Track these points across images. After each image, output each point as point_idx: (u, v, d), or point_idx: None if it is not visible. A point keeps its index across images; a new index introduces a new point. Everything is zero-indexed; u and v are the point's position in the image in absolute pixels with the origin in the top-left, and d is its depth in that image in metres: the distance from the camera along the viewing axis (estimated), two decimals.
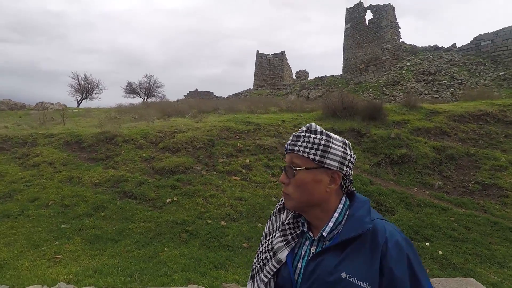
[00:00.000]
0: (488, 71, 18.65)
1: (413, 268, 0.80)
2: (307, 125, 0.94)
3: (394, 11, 24.46)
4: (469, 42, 21.79)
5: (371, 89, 21.52)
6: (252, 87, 39.76)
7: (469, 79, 18.01)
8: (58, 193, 4.91)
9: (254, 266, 1.04)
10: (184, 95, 42.21)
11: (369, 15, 25.59)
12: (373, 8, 25.04)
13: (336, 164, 0.89)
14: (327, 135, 0.91)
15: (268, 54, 38.08)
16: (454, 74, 19.08)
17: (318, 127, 0.92)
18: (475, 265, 3.55)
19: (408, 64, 22.45)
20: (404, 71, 21.67)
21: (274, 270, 0.93)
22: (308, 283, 0.86)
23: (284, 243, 0.94)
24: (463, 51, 21.75)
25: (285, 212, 1.03)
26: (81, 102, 27.24)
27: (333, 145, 0.90)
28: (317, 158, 0.88)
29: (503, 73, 17.62)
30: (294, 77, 37.45)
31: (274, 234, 1.01)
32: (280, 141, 6.48)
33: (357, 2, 26.77)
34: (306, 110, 8.91)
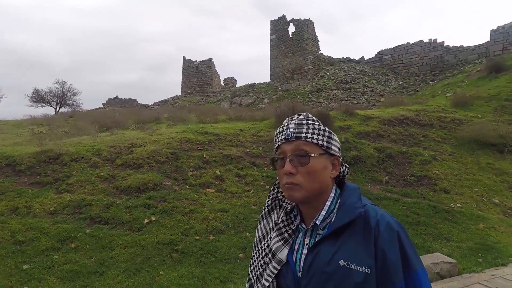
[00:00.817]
0: (391, 80, 22.27)
1: (404, 248, 0.81)
2: (304, 113, 0.97)
3: (314, 25, 27.08)
4: (374, 55, 25.57)
5: (298, 96, 23.27)
6: (180, 94, 38.72)
7: (378, 87, 21.19)
8: (4, 228, 4.09)
9: (251, 275, 1.03)
10: (103, 103, 38.57)
11: (292, 28, 27.75)
12: (295, 21, 27.28)
13: (337, 150, 0.93)
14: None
15: (196, 61, 37.74)
16: (366, 83, 22.17)
17: (314, 117, 0.96)
18: (431, 242, 4.36)
19: (328, 73, 25.09)
20: (325, 80, 24.14)
21: (276, 271, 0.92)
22: (308, 276, 0.86)
23: (282, 242, 0.94)
24: (370, 63, 25.40)
25: (275, 212, 1.03)
26: None
27: (333, 134, 0.95)
28: (325, 144, 0.90)
29: (402, 82, 21.29)
30: (223, 84, 37.90)
31: (269, 236, 1.00)
32: (244, 150, 6.66)
33: (281, 16, 28.75)
34: (256, 118, 9.27)
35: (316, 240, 0.88)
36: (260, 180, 5.65)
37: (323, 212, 0.89)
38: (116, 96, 40.46)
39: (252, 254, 1.05)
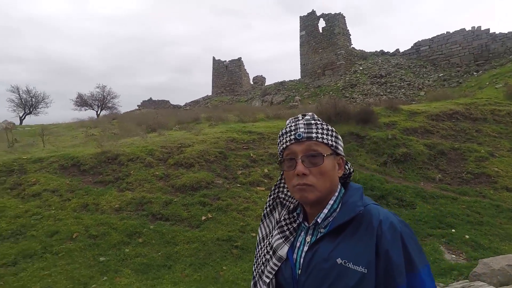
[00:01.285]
0: (430, 73, 21.18)
1: (407, 248, 0.79)
2: (309, 113, 0.96)
3: (345, 19, 26.40)
4: (410, 47, 24.45)
5: (331, 92, 22.84)
6: (210, 94, 39.49)
7: (416, 81, 20.26)
8: (78, 223, 4.48)
9: (254, 274, 1.03)
10: (138, 105, 40.27)
11: (321, 23, 27.25)
12: (326, 16, 26.74)
13: (342, 149, 0.95)
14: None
15: (225, 61, 38.25)
16: (403, 76, 21.27)
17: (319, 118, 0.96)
18: (498, 243, 4.15)
19: (361, 68, 24.36)
20: (358, 75, 23.48)
21: (276, 268, 0.92)
22: (307, 273, 0.86)
23: (283, 239, 0.95)
24: (406, 56, 24.32)
25: (276, 211, 1.04)
26: (24, 118, 24.43)
27: (337, 133, 0.96)
28: (334, 144, 0.91)
29: (442, 74, 20.18)
30: (252, 82, 38.09)
31: (271, 235, 1.01)
32: None
33: (310, 11, 28.34)
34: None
35: (317, 237, 0.88)
36: None
37: (325, 211, 0.89)
38: (150, 98, 42.14)
39: (255, 253, 1.06)
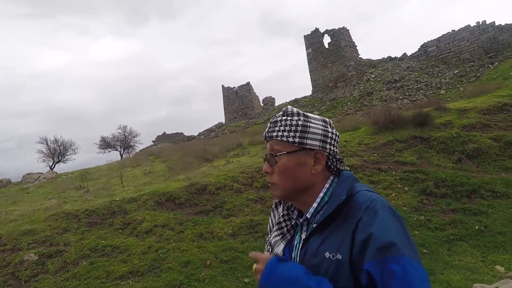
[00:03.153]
0: (444, 71, 21.68)
1: (374, 229, 0.72)
2: (284, 108, 0.94)
3: (349, 32, 27.39)
4: (417, 49, 25.17)
5: (349, 103, 23.34)
6: (223, 121, 40.37)
7: (432, 80, 20.72)
8: (205, 251, 4.77)
9: None
10: (153, 141, 41.20)
11: (326, 39, 28.31)
12: (330, 32, 27.82)
13: (317, 143, 0.88)
14: (304, 115, 0.90)
15: (234, 87, 39.38)
16: (417, 78, 21.77)
17: (295, 109, 0.91)
18: None
19: (373, 76, 25.00)
20: (372, 82, 24.06)
21: None
22: None
23: (280, 236, 0.94)
24: (414, 58, 24.97)
25: (281, 205, 1.02)
26: (54, 166, 25.18)
27: (311, 124, 0.88)
28: (296, 140, 0.86)
29: (457, 71, 20.66)
30: (262, 104, 38.98)
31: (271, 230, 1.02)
32: (361, 159, 7.03)
33: (313, 29, 29.51)
34: (346, 128, 9.65)
35: (307, 233, 0.87)
36: (396, 183, 5.95)
37: (315, 205, 0.87)
38: (164, 132, 43.09)
39: (267, 238, 1.07)
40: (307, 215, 0.87)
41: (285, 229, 0.95)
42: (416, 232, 4.71)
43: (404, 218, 4.00)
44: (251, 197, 6.10)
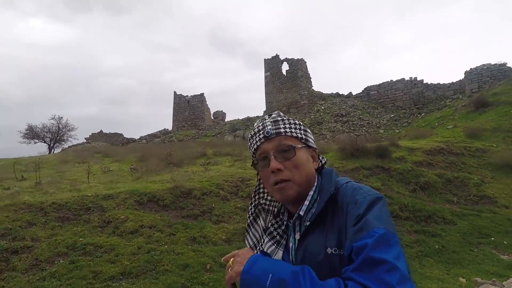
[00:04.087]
0: (382, 114, 24.88)
1: (371, 209, 0.76)
2: (276, 112, 0.97)
3: (306, 64, 29.70)
4: (361, 91, 28.44)
5: None
6: (169, 128, 39.10)
7: (373, 120, 23.57)
8: (202, 255, 4.65)
9: None
10: (86, 138, 37.60)
11: (285, 66, 30.18)
12: (289, 60, 29.77)
13: (313, 142, 0.96)
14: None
15: (187, 96, 38.74)
16: (360, 116, 24.52)
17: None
18: None
19: (323, 107, 27.29)
20: (322, 113, 26.23)
21: None
22: None
23: (275, 244, 0.93)
24: (358, 98, 28.14)
25: (261, 218, 1.02)
26: None
27: (306, 127, 0.97)
28: (304, 137, 0.92)
29: (393, 115, 23.93)
30: (212, 117, 38.99)
31: (261, 243, 0.99)
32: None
33: (274, 55, 31.20)
34: None
35: (302, 232, 0.87)
36: None
37: (306, 202, 0.87)
38: (101, 131, 39.71)
39: None
40: (300, 212, 0.86)
41: (277, 236, 0.93)
42: None
43: None
44: (239, 205, 6.18)
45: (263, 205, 1.03)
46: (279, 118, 0.92)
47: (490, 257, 5.26)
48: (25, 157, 15.77)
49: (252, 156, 0.95)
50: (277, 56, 30.96)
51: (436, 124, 17.16)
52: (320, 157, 0.98)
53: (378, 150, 9.00)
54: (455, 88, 22.93)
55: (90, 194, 6.12)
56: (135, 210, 5.74)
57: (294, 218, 0.89)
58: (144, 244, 4.82)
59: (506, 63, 19.06)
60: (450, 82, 23.46)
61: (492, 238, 5.86)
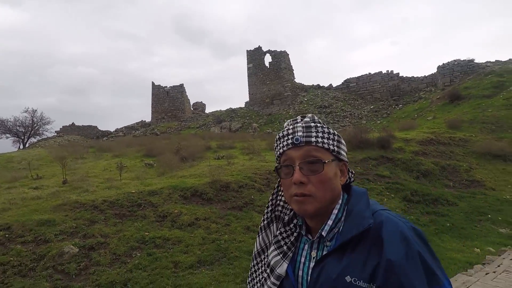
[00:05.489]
0: (362, 105, 26.32)
1: (427, 263, 0.71)
2: (309, 115, 0.90)
3: (289, 56, 30.32)
4: (341, 83, 29.72)
5: (285, 120, 25.65)
6: (147, 119, 38.29)
7: (355, 111, 24.92)
8: None
9: (250, 286, 1.00)
10: (57, 131, 35.79)
11: (268, 58, 30.59)
12: (272, 53, 30.21)
13: (345, 155, 0.88)
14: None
15: (166, 87, 37.92)
16: (343, 107, 25.78)
17: (317, 118, 0.88)
18: None
19: (306, 99, 28.24)
20: (305, 105, 27.17)
21: (275, 287, 0.88)
22: None
23: (281, 255, 0.89)
24: (339, 90, 29.39)
25: (274, 224, 0.98)
26: None
27: (340, 136, 0.88)
28: (336, 149, 0.84)
29: (372, 106, 25.43)
30: (191, 108, 38.62)
31: (266, 253, 0.97)
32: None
33: (257, 47, 31.44)
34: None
35: (323, 252, 0.82)
36: (384, 191, 7.55)
37: (330, 222, 0.82)
38: (73, 123, 38.05)
39: (251, 266, 1.02)
40: (322, 233, 0.82)
41: (285, 247, 0.89)
42: None
43: None
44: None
45: (279, 211, 0.98)
46: (312, 124, 0.85)
47: (492, 231, 6.32)
48: (4, 153, 15.05)
49: (276, 159, 0.90)
50: (259, 48, 31.22)
51: (416, 115, 18.66)
52: (350, 173, 0.90)
53: (380, 141, 9.91)
54: (427, 81, 24.81)
55: (133, 191, 6.34)
56: (183, 204, 6.07)
57: (316, 237, 0.84)
58: (206, 235, 5.23)
59: (474, 59, 21.02)
60: (423, 75, 25.29)
61: (489, 216, 6.96)
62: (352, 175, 0.91)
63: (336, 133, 0.87)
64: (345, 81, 29.31)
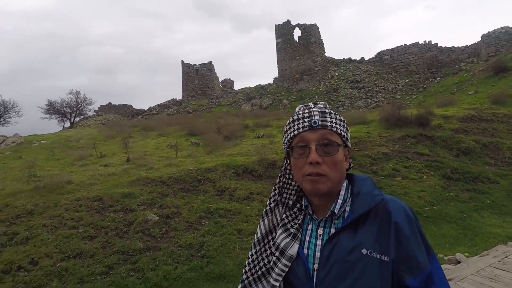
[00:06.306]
0: (396, 79, 25.45)
1: (423, 235, 0.86)
2: (322, 102, 0.97)
3: (319, 29, 29.48)
4: (374, 56, 28.67)
5: (316, 96, 25.58)
6: (179, 98, 39.38)
7: (388, 86, 24.23)
8: None
9: (245, 276, 1.01)
10: (95, 111, 37.99)
11: (297, 32, 29.96)
12: (301, 26, 29.52)
13: (349, 142, 0.96)
14: None
15: (195, 64, 38.50)
16: (376, 82, 25.10)
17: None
18: None
19: (337, 74, 27.70)
20: (336, 80, 26.72)
21: (287, 269, 0.91)
22: (327, 268, 0.84)
23: (291, 237, 0.93)
24: (371, 63, 28.43)
25: (278, 207, 1.02)
26: None
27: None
28: (345, 135, 0.92)
29: (408, 80, 24.55)
30: (220, 86, 39.13)
31: (275, 233, 1.00)
32: (389, 148, 8.76)
33: (285, 20, 30.80)
34: (355, 122, 11.38)
35: (333, 230, 0.88)
36: (424, 169, 7.81)
37: (339, 201, 0.89)
38: (110, 103, 40.02)
39: (250, 253, 1.02)
40: (334, 210, 0.88)
41: (293, 229, 0.94)
42: (452, 204, 6.60)
43: (440, 194, 5.69)
44: None
45: (283, 197, 1.03)
46: (327, 111, 0.92)
47: None
48: (54, 132, 16.55)
49: (287, 142, 0.95)
50: (288, 22, 30.61)
51: (455, 89, 17.95)
52: (349, 159, 0.97)
53: (419, 119, 9.96)
54: (469, 52, 23.38)
55: (192, 168, 7.12)
56: (236, 180, 6.79)
57: (327, 216, 0.89)
58: (261, 207, 5.92)
59: None
60: (464, 45, 23.79)
61: None
62: (351, 162, 0.99)
63: (345, 120, 0.95)
64: (378, 53, 28.24)
